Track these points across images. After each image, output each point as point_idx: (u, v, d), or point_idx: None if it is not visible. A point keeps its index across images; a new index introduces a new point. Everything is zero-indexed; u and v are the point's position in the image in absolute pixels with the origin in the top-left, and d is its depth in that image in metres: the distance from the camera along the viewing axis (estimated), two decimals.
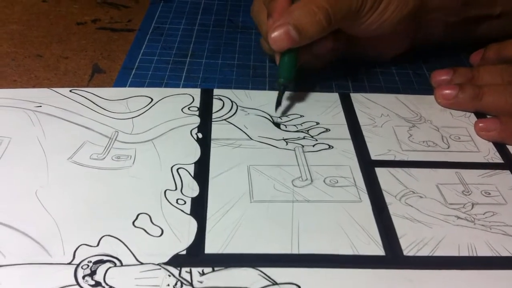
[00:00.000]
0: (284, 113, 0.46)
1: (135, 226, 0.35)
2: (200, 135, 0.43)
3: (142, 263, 0.32)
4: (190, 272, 0.32)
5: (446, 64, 0.54)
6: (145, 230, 0.34)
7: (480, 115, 0.47)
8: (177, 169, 0.39)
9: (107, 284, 0.31)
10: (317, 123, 0.45)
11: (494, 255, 0.34)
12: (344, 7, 0.44)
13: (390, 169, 0.41)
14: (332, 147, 0.43)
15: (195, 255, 0.33)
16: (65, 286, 0.31)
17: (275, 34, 0.44)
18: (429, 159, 0.42)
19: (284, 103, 0.47)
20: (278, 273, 0.32)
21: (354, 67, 0.53)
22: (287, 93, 0.47)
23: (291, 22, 0.43)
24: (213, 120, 0.45)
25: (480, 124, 0.45)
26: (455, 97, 0.47)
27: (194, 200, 0.37)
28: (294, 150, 0.42)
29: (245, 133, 0.43)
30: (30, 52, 0.54)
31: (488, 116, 0.46)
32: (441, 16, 0.51)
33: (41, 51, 0.54)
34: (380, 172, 0.40)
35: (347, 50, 0.51)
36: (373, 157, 0.42)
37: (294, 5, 0.45)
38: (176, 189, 0.38)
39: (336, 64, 0.52)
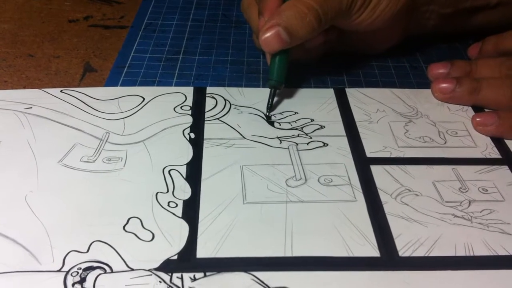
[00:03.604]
0: (278, 111, 0.45)
1: (125, 231, 0.34)
2: (192, 135, 0.42)
3: (132, 269, 0.32)
4: (181, 278, 0.31)
5: (444, 57, 0.53)
6: (135, 235, 0.34)
7: (477, 109, 0.46)
8: (169, 171, 0.39)
9: None
10: (312, 120, 0.45)
11: (492, 254, 0.34)
12: (334, 6, 0.43)
13: (385, 167, 0.40)
14: (327, 144, 0.42)
15: (186, 260, 0.33)
16: None
17: (265, 36, 0.43)
18: (425, 155, 0.41)
19: (278, 99, 0.46)
20: (271, 277, 0.32)
21: (349, 61, 0.52)
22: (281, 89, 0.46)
23: (282, 24, 0.42)
24: (205, 119, 0.44)
25: (478, 119, 0.44)
26: (453, 91, 0.46)
27: (186, 203, 0.36)
28: (288, 149, 0.42)
29: (238, 132, 0.43)
30: (22, 51, 0.53)
31: (486, 110, 0.46)
32: (435, 8, 0.50)
33: (32, 51, 0.53)
34: (375, 170, 0.40)
35: (340, 44, 0.50)
36: (368, 155, 0.41)
37: (284, 5, 0.44)
38: (167, 191, 0.37)
39: (331, 58, 0.51)
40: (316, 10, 0.43)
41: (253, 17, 0.48)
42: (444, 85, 0.47)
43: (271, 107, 0.45)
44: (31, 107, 0.44)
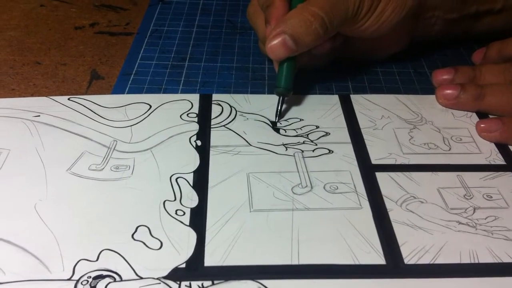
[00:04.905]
0: (283, 117, 0.46)
1: (134, 239, 0.35)
2: (199, 143, 0.43)
3: (141, 278, 0.32)
4: (190, 286, 0.32)
5: (448, 62, 0.53)
6: (144, 243, 0.34)
7: (482, 115, 0.46)
8: (176, 179, 0.39)
9: None
10: (317, 127, 0.45)
11: (496, 261, 0.34)
12: (339, 13, 0.44)
13: (390, 174, 0.40)
14: (332, 151, 0.42)
15: (194, 269, 0.33)
16: None
17: (272, 43, 0.43)
18: (430, 162, 0.42)
19: (284, 106, 0.47)
20: (278, 285, 0.32)
21: (353, 67, 0.52)
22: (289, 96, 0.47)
23: (288, 32, 0.43)
24: (212, 126, 0.44)
25: (482, 125, 0.44)
26: (457, 97, 0.46)
27: (193, 211, 0.37)
28: (294, 156, 0.42)
29: (244, 139, 0.43)
30: (29, 59, 0.54)
31: (490, 116, 0.46)
32: (440, 14, 0.50)
33: (39, 58, 0.54)
34: (380, 177, 0.40)
35: (346, 50, 0.50)
36: (373, 161, 0.42)
37: (290, 13, 0.44)
38: (175, 199, 0.38)
39: (336, 64, 0.51)
40: (321, 18, 0.43)
41: (259, 25, 0.49)
42: (448, 91, 0.47)
43: (279, 114, 0.45)
44: (39, 115, 0.45)
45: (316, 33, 0.43)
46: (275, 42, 0.43)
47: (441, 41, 0.55)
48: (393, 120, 0.46)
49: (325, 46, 0.47)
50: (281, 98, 0.46)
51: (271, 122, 0.45)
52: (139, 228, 0.35)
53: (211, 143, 0.43)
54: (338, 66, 0.52)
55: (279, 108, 0.45)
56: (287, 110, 0.47)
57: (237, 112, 0.46)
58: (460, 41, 0.56)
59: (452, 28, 0.52)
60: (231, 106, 0.47)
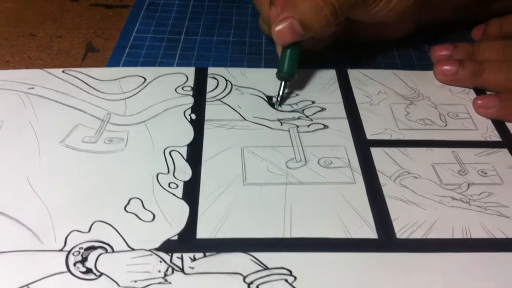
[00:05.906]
0: (284, 103, 0.45)
1: (126, 211, 0.35)
2: (193, 116, 0.42)
3: (133, 249, 0.32)
4: (181, 258, 0.32)
5: (447, 39, 0.53)
6: (136, 215, 0.34)
7: (479, 91, 0.46)
8: (170, 152, 0.39)
9: (98, 271, 0.31)
10: (313, 102, 0.45)
11: (489, 237, 0.34)
12: None
13: (385, 149, 0.40)
14: (328, 127, 0.42)
15: (186, 241, 0.33)
16: (57, 273, 0.31)
17: (279, 27, 0.42)
18: (425, 138, 0.41)
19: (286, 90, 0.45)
20: (270, 258, 0.32)
21: (351, 42, 0.51)
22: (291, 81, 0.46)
23: (296, 17, 0.42)
24: (207, 100, 0.44)
25: (479, 101, 0.44)
26: (455, 73, 0.46)
27: (186, 184, 0.37)
28: (289, 131, 0.42)
29: (239, 114, 0.43)
30: (24, 31, 0.53)
31: (487, 93, 0.45)
32: None
33: (34, 30, 0.53)
34: (375, 152, 0.40)
35: (350, 34, 0.49)
36: (368, 137, 0.41)
37: None
38: (168, 172, 0.38)
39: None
40: (332, 4, 0.42)
41: (263, 6, 0.47)
42: (447, 67, 0.46)
43: (281, 99, 0.44)
44: (33, 88, 0.44)
45: (326, 19, 0.42)
46: (282, 26, 0.42)
47: (448, 26, 0.53)
48: (389, 96, 0.45)
49: (329, 30, 0.46)
50: (283, 83, 0.44)
51: (267, 97, 0.45)
52: (131, 200, 0.35)
53: (206, 117, 0.42)
54: (336, 41, 0.51)
55: (280, 93, 0.44)
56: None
57: (233, 86, 0.46)
58: (468, 25, 0.54)
59: (461, 13, 0.51)
60: (226, 80, 0.46)
